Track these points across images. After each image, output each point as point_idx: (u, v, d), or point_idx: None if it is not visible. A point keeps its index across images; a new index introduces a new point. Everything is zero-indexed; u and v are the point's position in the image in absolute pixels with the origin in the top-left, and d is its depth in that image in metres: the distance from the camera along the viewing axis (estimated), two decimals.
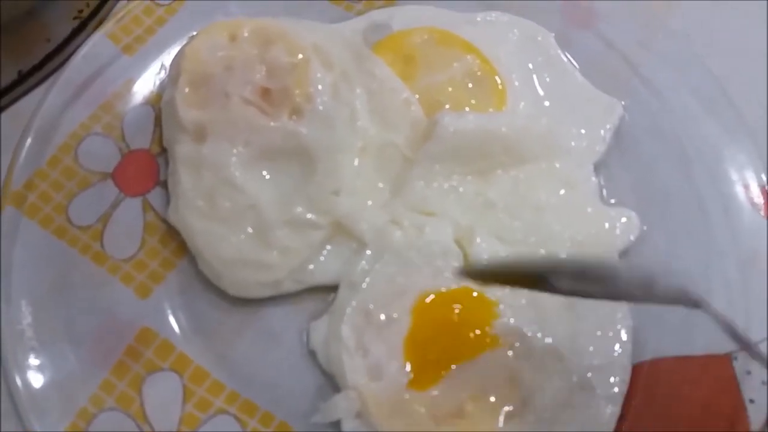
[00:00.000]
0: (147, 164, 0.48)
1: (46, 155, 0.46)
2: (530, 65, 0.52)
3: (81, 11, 0.50)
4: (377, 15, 0.53)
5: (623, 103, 0.51)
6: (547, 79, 0.51)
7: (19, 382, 0.39)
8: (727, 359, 0.44)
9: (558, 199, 0.46)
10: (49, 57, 0.49)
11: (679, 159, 0.50)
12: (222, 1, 0.53)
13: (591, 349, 0.42)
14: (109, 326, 0.42)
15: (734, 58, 0.55)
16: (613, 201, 0.48)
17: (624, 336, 0.43)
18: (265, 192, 0.44)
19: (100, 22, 0.52)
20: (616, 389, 0.41)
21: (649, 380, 0.43)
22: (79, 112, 0.48)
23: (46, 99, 0.47)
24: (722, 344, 0.44)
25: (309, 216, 0.44)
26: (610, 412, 0.41)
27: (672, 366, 0.44)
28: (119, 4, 0.54)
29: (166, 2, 0.52)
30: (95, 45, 0.50)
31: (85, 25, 0.50)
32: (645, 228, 0.47)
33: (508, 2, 0.54)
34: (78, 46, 0.49)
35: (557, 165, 0.47)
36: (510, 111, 0.48)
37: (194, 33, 0.50)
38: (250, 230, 0.44)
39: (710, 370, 0.43)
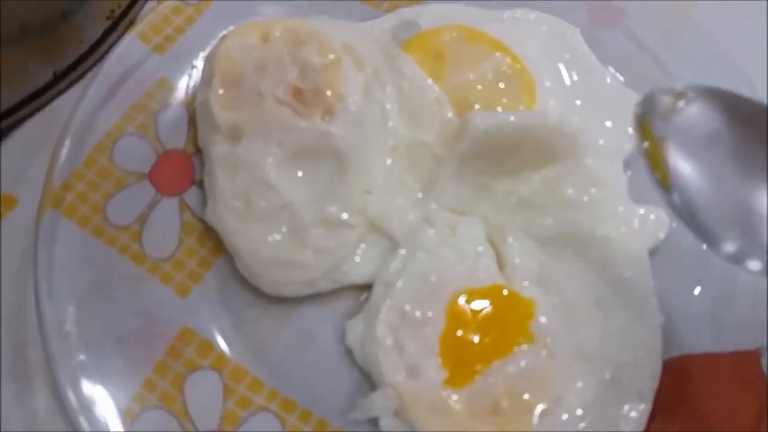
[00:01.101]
0: (182, 164, 0.48)
1: (82, 155, 0.47)
2: (558, 62, 0.52)
3: (113, 11, 0.51)
4: (406, 13, 0.53)
5: None
6: (575, 77, 0.52)
7: (66, 382, 0.40)
8: (755, 356, 0.44)
9: (589, 198, 0.46)
10: (82, 58, 0.50)
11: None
12: (250, 1, 0.53)
13: (621, 346, 0.43)
14: (150, 326, 0.43)
15: (759, 55, 0.55)
16: (641, 199, 0.49)
17: (653, 332, 0.44)
18: (299, 191, 0.45)
19: (131, 22, 0.52)
20: (647, 386, 0.42)
21: (678, 376, 0.43)
22: (113, 112, 0.48)
23: (82, 100, 0.47)
24: (750, 341, 0.44)
25: (342, 215, 0.45)
26: (642, 408, 0.42)
27: (701, 362, 0.44)
28: (149, 4, 0.54)
29: (195, 2, 0.53)
30: (126, 45, 0.50)
31: (116, 25, 0.51)
32: (674, 225, 0.48)
33: (534, 0, 0.54)
34: (110, 46, 0.50)
35: (587, 163, 0.47)
36: (540, 109, 0.49)
37: (224, 32, 0.50)
38: (285, 230, 0.44)
39: (738, 366, 0.44)
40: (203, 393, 0.42)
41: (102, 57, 0.49)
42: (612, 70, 0.53)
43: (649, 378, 0.42)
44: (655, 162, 0.38)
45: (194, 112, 0.49)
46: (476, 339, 0.42)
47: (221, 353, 0.43)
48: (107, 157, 0.47)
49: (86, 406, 0.40)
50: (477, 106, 0.48)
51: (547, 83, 0.50)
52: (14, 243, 0.47)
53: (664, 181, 0.37)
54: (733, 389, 0.43)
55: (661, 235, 0.47)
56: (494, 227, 0.45)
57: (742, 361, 0.44)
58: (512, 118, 0.46)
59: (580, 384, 0.42)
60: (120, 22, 0.51)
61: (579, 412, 0.41)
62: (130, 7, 0.51)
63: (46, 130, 0.49)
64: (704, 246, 0.47)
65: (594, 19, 0.55)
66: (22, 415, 0.43)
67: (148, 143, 0.48)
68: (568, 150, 0.47)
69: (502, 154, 0.46)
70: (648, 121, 0.38)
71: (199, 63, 0.50)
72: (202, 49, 0.51)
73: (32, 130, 0.50)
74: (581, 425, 0.41)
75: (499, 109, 0.48)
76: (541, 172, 0.47)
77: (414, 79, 0.48)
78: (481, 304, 0.43)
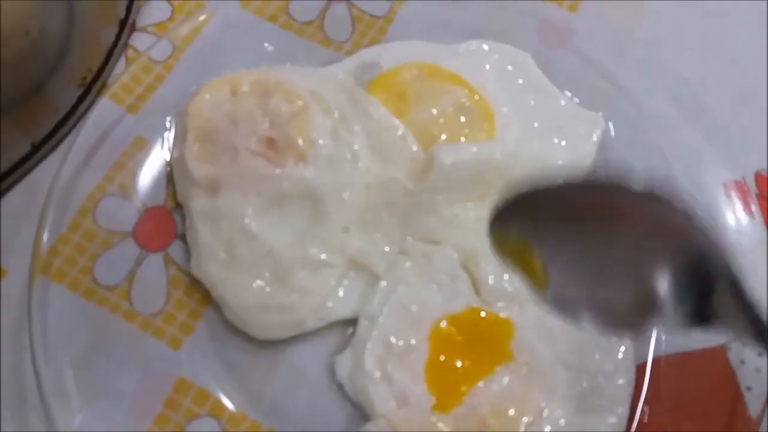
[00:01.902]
0: (164, 220, 0.50)
1: (66, 220, 0.48)
2: (514, 89, 0.54)
3: (84, 78, 0.52)
4: (366, 54, 0.55)
5: (603, 115, 0.55)
6: (531, 101, 0.54)
7: None
8: (721, 351, 0.47)
9: None
10: (58, 126, 0.51)
11: (660, 165, 0.53)
12: (216, 53, 0.55)
13: (597, 356, 0.45)
14: (147, 380, 0.45)
15: (703, 61, 0.58)
16: None
17: (625, 340, 0.46)
18: (280, 237, 0.47)
19: (103, 85, 0.54)
20: (623, 390, 0.45)
21: (652, 378, 0.46)
22: (93, 175, 0.50)
23: (61, 167, 0.49)
24: (716, 338, 0.47)
25: (323, 256, 0.47)
26: (620, 412, 0.44)
27: (672, 362, 0.47)
28: (119, 66, 0.56)
29: (162, 59, 0.55)
30: (100, 108, 0.52)
31: (89, 90, 0.52)
32: None
33: (486, 29, 0.57)
34: (85, 111, 0.52)
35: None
36: (501, 137, 0.51)
37: (194, 87, 0.52)
38: (269, 276, 0.46)
39: (708, 362, 0.47)
40: None
41: (77, 122, 0.51)
42: (566, 91, 0.56)
43: (625, 384, 0.45)
44: (523, 264, 0.37)
45: (171, 168, 0.51)
46: (459, 362, 0.44)
47: (217, 400, 0.45)
48: (91, 220, 0.49)
49: None
50: (442, 139, 0.50)
51: (505, 110, 0.53)
52: (7, 312, 0.48)
53: (538, 282, 0.36)
54: (705, 384, 0.46)
55: None
56: (467, 253, 0.47)
57: (710, 356, 0.47)
58: (474, 149, 0.48)
59: (560, 395, 0.44)
60: (92, 87, 0.53)
61: (562, 422, 0.44)
62: (100, 71, 0.53)
63: (28, 199, 0.50)
64: None
65: (545, 42, 0.57)
66: None
67: (129, 202, 0.50)
68: (530, 172, 0.49)
69: (469, 183, 0.48)
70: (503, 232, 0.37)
71: (173, 119, 0.52)
72: (174, 105, 0.53)
73: (14, 201, 0.51)
74: None
75: (462, 139, 0.50)
76: None
77: (380, 119, 0.50)
78: (461, 329, 0.45)
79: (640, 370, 0.46)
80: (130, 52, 0.57)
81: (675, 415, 0.45)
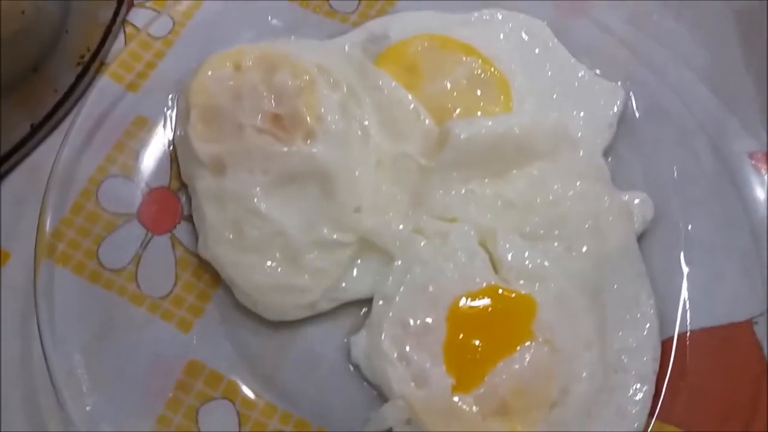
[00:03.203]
0: (169, 201, 0.48)
1: (68, 203, 0.47)
2: (529, 59, 0.53)
3: (82, 56, 0.51)
4: (374, 25, 0.53)
5: (622, 85, 0.52)
6: (549, 72, 0.52)
7: (80, 426, 0.40)
8: (748, 325, 0.46)
9: (574, 191, 0.47)
10: (58, 106, 0.50)
11: (682, 135, 0.51)
12: (217, 27, 0.53)
13: (620, 333, 0.44)
14: (157, 363, 0.43)
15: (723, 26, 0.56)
16: (624, 185, 0.50)
17: (650, 316, 0.45)
18: (289, 217, 0.45)
19: (101, 64, 0.52)
20: (648, 368, 0.43)
21: (678, 355, 0.45)
22: (94, 155, 0.48)
23: (62, 148, 0.47)
24: (742, 312, 0.46)
25: (335, 236, 0.45)
26: (646, 390, 0.43)
27: (698, 337, 0.45)
28: (118, 43, 0.54)
29: (162, 35, 0.53)
30: (100, 87, 0.50)
31: (87, 69, 0.51)
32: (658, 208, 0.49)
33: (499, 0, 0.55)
34: (84, 90, 0.50)
35: (568, 157, 0.48)
36: (517, 109, 0.50)
37: (196, 64, 0.50)
38: (279, 256, 0.45)
39: (733, 337, 0.45)
40: (218, 422, 0.43)
41: (77, 102, 0.49)
42: (583, 60, 0.54)
43: (650, 360, 0.44)
44: None
45: (175, 147, 0.49)
46: (479, 342, 0.43)
47: (231, 382, 0.44)
48: (93, 202, 0.47)
49: None
50: (456, 113, 0.48)
51: (521, 81, 0.51)
52: (13, 296, 0.47)
53: None
54: (730, 360, 0.45)
55: (648, 217, 0.48)
56: (485, 230, 0.46)
57: (736, 331, 0.45)
58: (491, 123, 0.46)
59: (584, 374, 0.43)
60: (90, 65, 0.51)
61: (587, 400, 0.42)
62: (99, 49, 0.51)
63: (30, 182, 0.49)
64: (689, 226, 0.49)
65: (560, 12, 0.55)
66: None
67: (132, 183, 0.48)
68: (549, 147, 0.48)
69: (485, 159, 0.47)
70: None
71: (175, 96, 0.51)
72: (176, 82, 0.51)
73: (15, 184, 0.50)
74: (590, 413, 0.42)
75: (479, 113, 0.48)
76: (525, 172, 0.48)
77: (390, 92, 0.48)
78: (480, 308, 0.44)
79: (665, 346, 0.45)
80: (128, 29, 0.55)
81: (700, 390, 0.44)
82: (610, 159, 0.51)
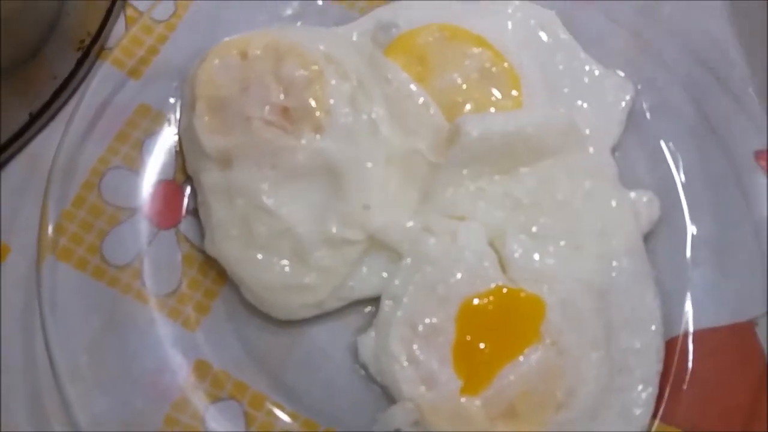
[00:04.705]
0: (174, 194, 0.47)
1: (70, 195, 0.46)
2: (539, 51, 0.52)
3: (82, 41, 0.49)
4: (382, 13, 0.52)
5: (631, 79, 0.52)
6: (560, 66, 0.51)
7: (86, 426, 0.40)
8: (749, 326, 0.46)
9: (583, 191, 0.47)
10: (57, 93, 0.48)
11: (690, 131, 0.51)
12: (222, 10, 0.52)
13: (625, 334, 0.44)
14: (164, 363, 0.43)
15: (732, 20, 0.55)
16: (630, 182, 0.49)
17: (655, 316, 0.45)
18: (298, 214, 0.45)
19: (102, 48, 0.50)
20: (652, 369, 0.44)
21: (681, 356, 0.45)
22: (96, 146, 0.47)
23: (63, 138, 0.46)
24: (745, 312, 0.46)
25: (344, 233, 0.45)
26: (650, 391, 0.43)
27: (700, 338, 0.46)
28: (119, 28, 0.52)
29: (165, 18, 0.51)
30: (101, 73, 0.48)
31: (87, 54, 0.49)
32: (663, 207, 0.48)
33: None
34: (84, 76, 0.48)
35: (578, 154, 0.48)
36: (528, 104, 0.49)
37: (200, 49, 0.49)
38: (287, 254, 0.44)
39: (735, 338, 0.46)
40: (225, 423, 0.43)
41: (77, 89, 0.48)
42: (591, 52, 0.53)
43: (654, 361, 0.44)
44: None
45: (180, 139, 0.48)
46: (488, 344, 0.43)
47: (238, 382, 0.44)
48: (96, 194, 0.46)
49: None
50: (466, 108, 0.47)
51: (531, 74, 0.50)
52: (13, 290, 0.46)
53: None
54: (731, 361, 0.45)
55: (655, 217, 0.48)
56: (494, 229, 0.46)
57: (738, 332, 0.46)
58: (502, 120, 0.46)
59: (590, 375, 0.43)
60: (91, 50, 0.49)
61: (592, 401, 0.43)
62: (99, 33, 0.50)
63: (29, 174, 0.48)
64: (695, 226, 0.49)
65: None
66: None
67: (136, 175, 0.47)
68: (559, 144, 0.47)
69: (496, 156, 0.46)
70: None
71: (179, 85, 0.49)
72: (180, 68, 0.49)
73: (14, 175, 0.49)
74: (595, 414, 0.43)
75: (492, 109, 0.47)
76: (534, 170, 0.47)
77: (400, 85, 0.47)
78: (489, 309, 0.44)
79: (669, 346, 0.45)
80: (129, 12, 0.53)
81: (701, 391, 0.45)
82: (616, 154, 0.50)
